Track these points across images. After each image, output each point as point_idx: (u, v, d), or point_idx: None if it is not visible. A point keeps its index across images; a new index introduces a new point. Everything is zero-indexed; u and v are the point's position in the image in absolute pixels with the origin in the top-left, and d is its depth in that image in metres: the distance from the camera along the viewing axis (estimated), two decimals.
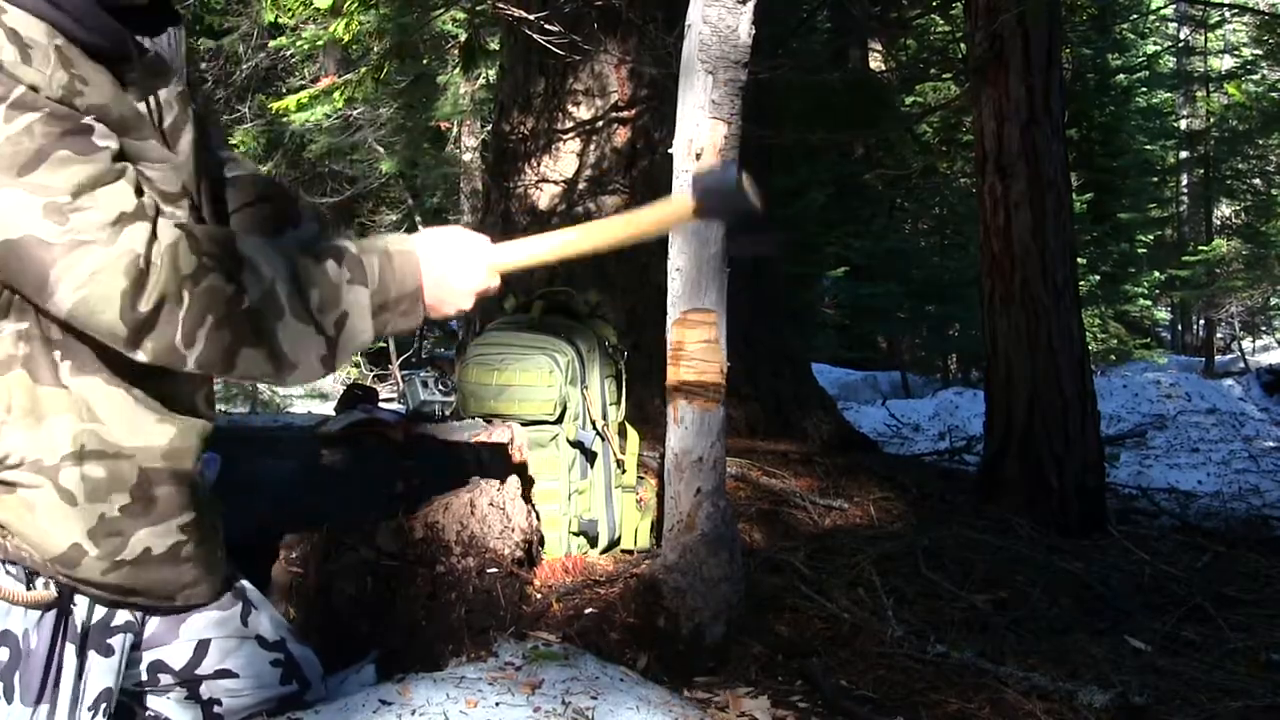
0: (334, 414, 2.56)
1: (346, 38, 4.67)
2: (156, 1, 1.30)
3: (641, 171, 3.98)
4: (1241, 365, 12.58)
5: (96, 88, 1.18)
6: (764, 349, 4.18)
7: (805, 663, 2.10)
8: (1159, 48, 14.69)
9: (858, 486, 3.53)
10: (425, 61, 8.24)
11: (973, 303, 8.22)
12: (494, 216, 4.28)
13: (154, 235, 1.16)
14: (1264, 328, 15.20)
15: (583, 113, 4.04)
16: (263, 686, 1.49)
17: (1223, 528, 3.99)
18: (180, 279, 1.16)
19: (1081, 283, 5.15)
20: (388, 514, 1.99)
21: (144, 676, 1.43)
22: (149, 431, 1.30)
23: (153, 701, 1.47)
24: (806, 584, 2.51)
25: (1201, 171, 14.96)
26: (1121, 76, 12.36)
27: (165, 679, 1.44)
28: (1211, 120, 14.17)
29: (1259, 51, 13.09)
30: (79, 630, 1.31)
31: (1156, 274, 13.00)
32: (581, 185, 4.03)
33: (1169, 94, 14.79)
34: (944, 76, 8.17)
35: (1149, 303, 13.30)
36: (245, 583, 1.54)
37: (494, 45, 5.29)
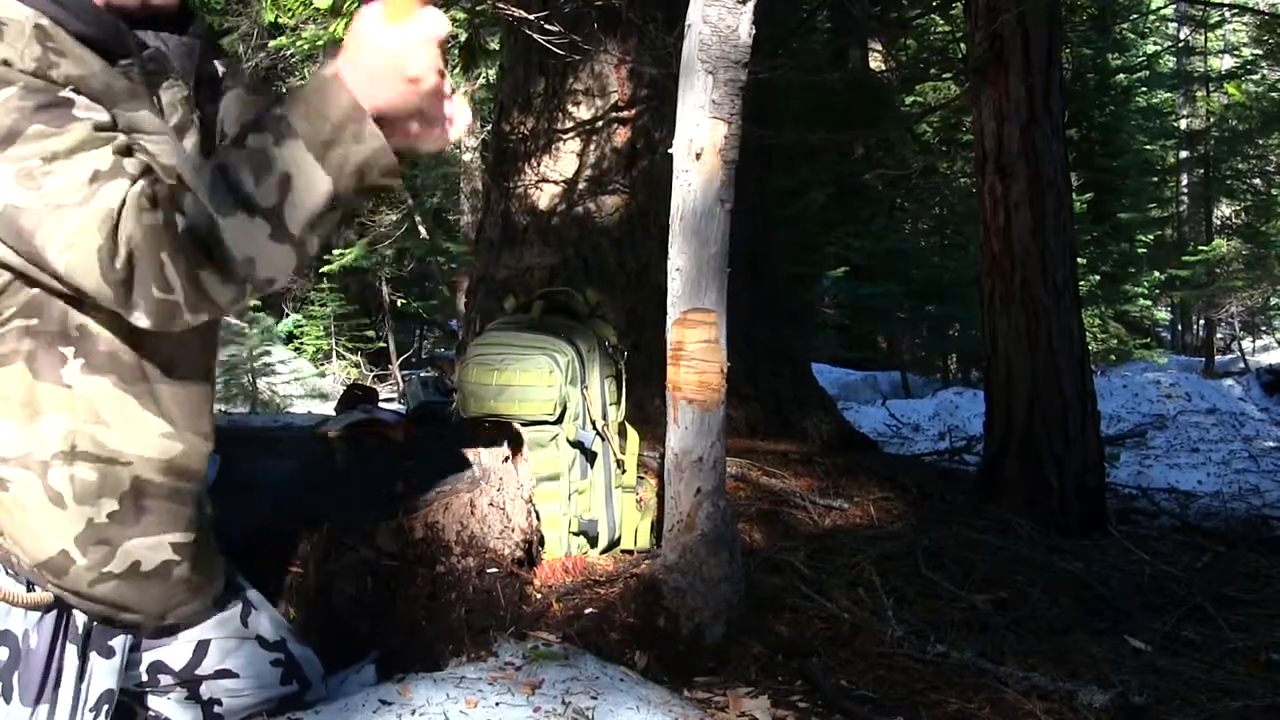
0: (334, 414, 2.56)
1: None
2: (168, 12, 1.29)
3: (641, 171, 3.98)
4: (1241, 365, 12.58)
5: (75, 60, 1.16)
6: (764, 349, 4.18)
7: (805, 663, 2.10)
8: (1159, 48, 14.70)
9: (858, 486, 3.53)
10: None
11: (973, 303, 8.23)
12: (494, 216, 4.28)
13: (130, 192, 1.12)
14: (1264, 328, 15.20)
15: (583, 113, 4.04)
16: (263, 687, 1.49)
17: (1223, 528, 3.99)
18: (140, 227, 1.10)
19: (1081, 283, 5.14)
20: (388, 514, 1.99)
21: (144, 677, 1.43)
22: (152, 442, 1.29)
23: (153, 702, 1.47)
24: (806, 584, 2.51)
25: (1201, 171, 14.95)
26: (1121, 76, 12.36)
27: (165, 679, 1.44)
28: (1211, 120, 14.17)
29: (1259, 51, 13.09)
30: (80, 631, 1.30)
31: (1156, 274, 13.00)
32: (581, 185, 4.03)
33: (1169, 94, 14.80)
34: (944, 76, 8.17)
35: (1149, 303, 13.30)
36: (245, 583, 1.54)
37: (494, 45, 5.29)
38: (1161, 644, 2.44)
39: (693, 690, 1.97)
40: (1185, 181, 17.04)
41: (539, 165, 4.08)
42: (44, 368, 1.22)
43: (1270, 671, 2.30)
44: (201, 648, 1.44)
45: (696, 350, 2.16)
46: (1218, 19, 13.55)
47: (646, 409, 3.41)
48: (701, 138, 2.11)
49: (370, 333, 11.72)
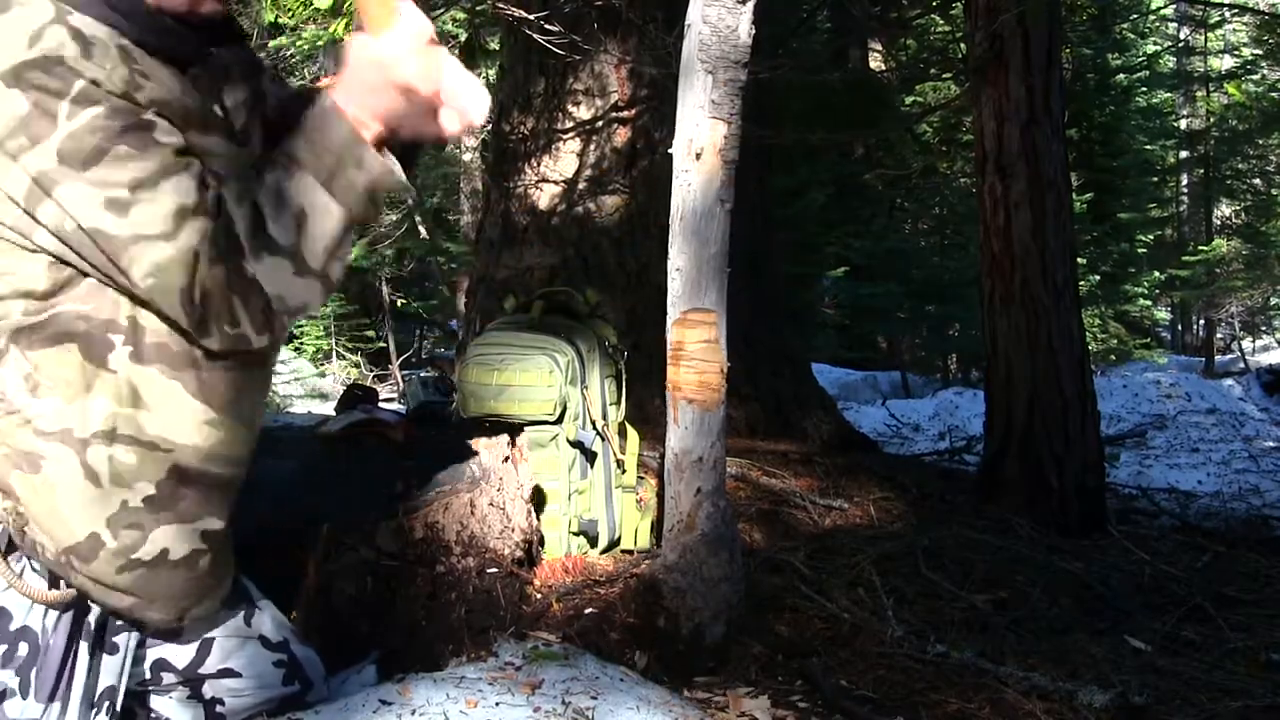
0: (334, 414, 2.57)
1: (347, 38, 4.66)
2: (217, 23, 1.31)
3: (641, 171, 3.98)
4: (1241, 365, 12.59)
5: (159, 82, 1.19)
6: (764, 349, 4.18)
7: (805, 663, 2.10)
8: (1159, 48, 14.69)
9: (858, 486, 3.53)
10: None
11: (973, 303, 8.23)
12: (494, 216, 4.28)
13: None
14: (1264, 328, 15.20)
15: (583, 113, 4.04)
16: (265, 686, 1.49)
17: (1223, 528, 3.99)
18: (211, 272, 1.17)
19: (1081, 283, 5.14)
20: (388, 514, 1.99)
21: (147, 674, 1.43)
22: (195, 430, 1.29)
23: (155, 700, 1.47)
24: (806, 584, 2.51)
25: (1201, 171, 14.96)
26: (1121, 76, 12.36)
27: (168, 677, 1.44)
28: (1211, 120, 14.17)
29: (1259, 51, 13.09)
30: (93, 629, 1.31)
31: (1156, 274, 13.01)
32: (581, 185, 4.03)
33: (1169, 94, 14.79)
34: (944, 76, 8.17)
35: (1149, 303, 13.30)
36: (248, 582, 1.54)
37: (494, 45, 5.29)
38: (1161, 644, 2.44)
39: (693, 690, 1.97)
40: (1185, 181, 17.04)
41: (539, 165, 4.08)
42: (93, 352, 1.23)
43: (1270, 671, 2.30)
44: (205, 646, 1.44)
45: (696, 350, 2.16)
46: (1218, 19, 13.55)
47: (646, 409, 3.41)
48: (701, 138, 2.11)
49: (370, 333, 11.71)
